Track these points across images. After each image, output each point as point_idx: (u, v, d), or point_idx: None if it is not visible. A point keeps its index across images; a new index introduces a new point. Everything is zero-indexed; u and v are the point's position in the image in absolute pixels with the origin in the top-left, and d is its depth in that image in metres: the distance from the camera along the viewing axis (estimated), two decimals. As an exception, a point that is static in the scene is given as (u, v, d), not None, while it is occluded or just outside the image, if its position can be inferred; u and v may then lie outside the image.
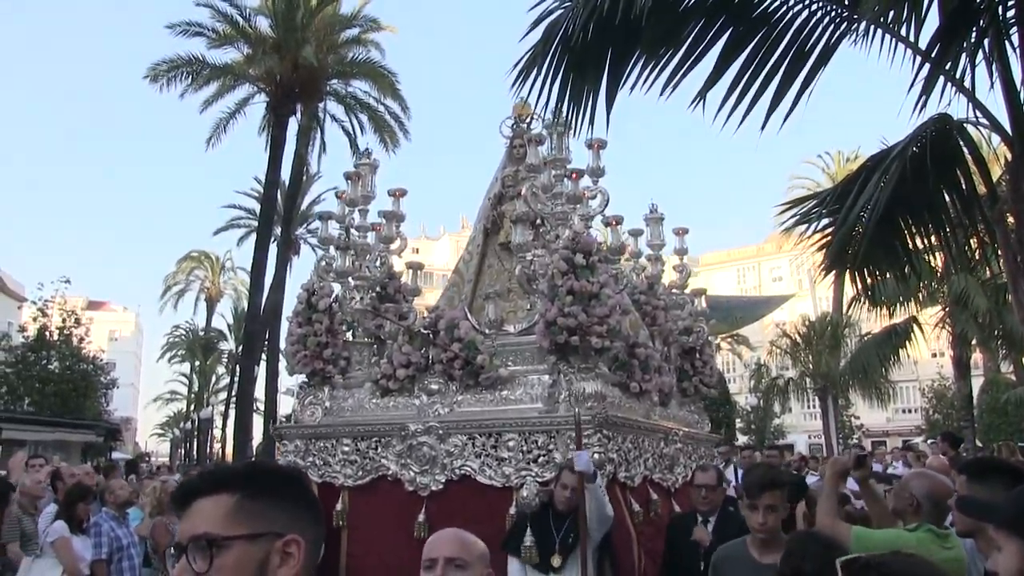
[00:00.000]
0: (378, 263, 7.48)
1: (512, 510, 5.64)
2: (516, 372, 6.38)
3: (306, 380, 7.06)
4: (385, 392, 6.64)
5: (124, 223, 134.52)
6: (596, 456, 5.40)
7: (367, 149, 8.24)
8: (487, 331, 6.70)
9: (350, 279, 7.30)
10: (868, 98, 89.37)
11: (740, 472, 9.26)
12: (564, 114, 5.62)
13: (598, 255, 6.05)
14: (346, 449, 6.51)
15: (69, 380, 28.58)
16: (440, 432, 6.12)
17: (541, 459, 5.79)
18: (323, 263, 7.51)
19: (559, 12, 5.20)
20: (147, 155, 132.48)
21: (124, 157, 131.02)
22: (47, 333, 28.72)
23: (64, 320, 29.38)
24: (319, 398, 6.92)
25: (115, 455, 29.99)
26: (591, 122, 5.59)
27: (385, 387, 6.62)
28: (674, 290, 8.09)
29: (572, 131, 6.04)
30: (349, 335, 7.46)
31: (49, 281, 34.47)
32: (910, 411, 45.06)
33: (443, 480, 6.04)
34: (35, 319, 29.38)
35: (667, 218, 7.88)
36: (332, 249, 7.47)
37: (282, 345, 7.90)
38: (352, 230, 7.56)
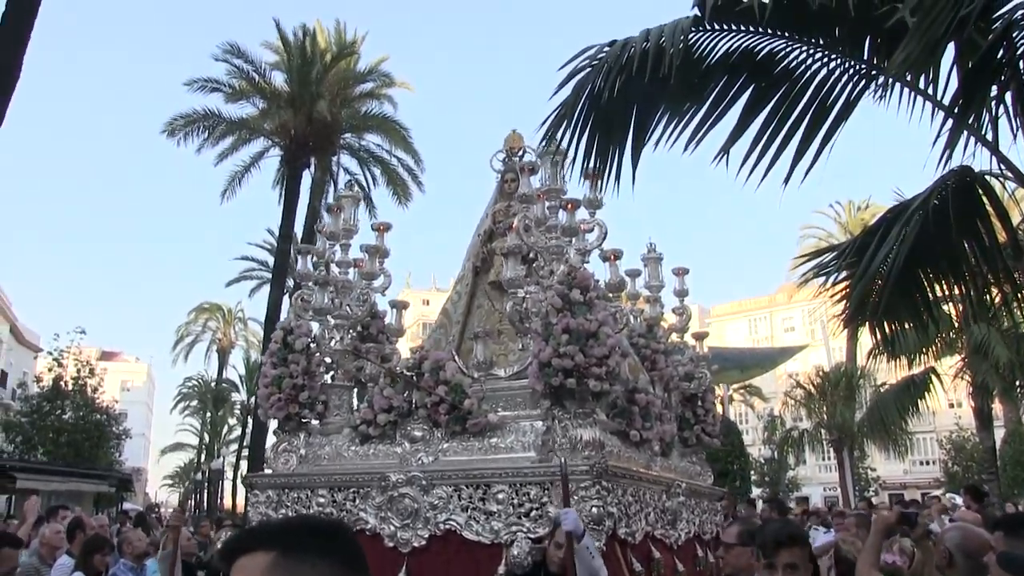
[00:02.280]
0: (360, 301, 7.04)
1: (501, 569, 5.20)
2: (506, 418, 5.96)
3: (280, 425, 6.62)
4: (365, 439, 6.24)
5: (136, 274, 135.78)
6: (594, 511, 5.06)
7: (349, 181, 8.07)
8: (475, 374, 6.28)
9: (329, 317, 6.85)
10: (877, 147, 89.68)
11: None
12: (592, 169, 5.58)
13: (595, 291, 5.73)
14: (322, 500, 6.10)
15: (83, 430, 28.69)
16: (423, 483, 5.69)
17: (534, 513, 5.32)
18: (300, 300, 7.03)
19: (588, 70, 5.21)
20: (159, 206, 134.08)
21: (136, 208, 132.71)
22: (62, 383, 28.91)
23: (79, 370, 29.60)
24: (294, 445, 6.50)
25: (126, 505, 29.90)
26: (617, 178, 5.51)
27: (365, 433, 6.22)
28: (674, 334, 7.78)
29: (600, 187, 5.88)
30: (328, 377, 7.01)
31: (65, 332, 34.70)
32: (928, 463, 44.45)
33: (426, 535, 5.59)
34: (50, 369, 29.61)
35: (678, 269, 7.63)
36: (311, 285, 6.98)
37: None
38: (332, 265, 7.13)
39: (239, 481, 41.73)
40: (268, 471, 6.67)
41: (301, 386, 6.49)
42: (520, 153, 7.65)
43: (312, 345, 6.72)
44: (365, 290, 7.06)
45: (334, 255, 7.17)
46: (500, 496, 5.44)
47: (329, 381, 6.98)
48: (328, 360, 6.97)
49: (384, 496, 5.78)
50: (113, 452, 31.91)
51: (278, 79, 26.24)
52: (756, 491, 28.19)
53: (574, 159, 5.55)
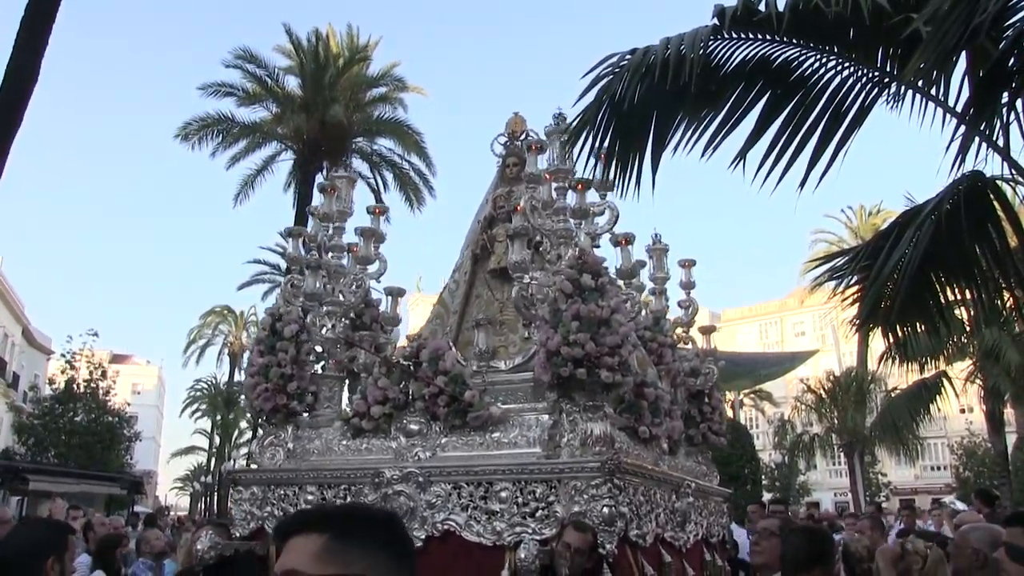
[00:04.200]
0: (353, 287, 6.61)
1: (505, 573, 4.80)
2: (510, 412, 5.57)
3: (267, 417, 6.19)
4: (357, 432, 5.83)
5: (148, 277, 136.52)
6: (605, 511, 4.76)
7: (345, 160, 7.75)
8: (475, 365, 5.92)
9: (320, 304, 6.43)
10: (888, 152, 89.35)
11: (749, 530, 8.56)
12: (612, 176, 5.60)
13: (606, 277, 5.38)
14: (310, 498, 5.68)
15: (94, 432, 28.89)
16: (420, 480, 5.31)
17: (540, 513, 4.96)
18: (290, 285, 6.57)
19: (610, 77, 5.29)
20: (171, 209, 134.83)
21: (149, 211, 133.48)
22: (74, 385, 29.13)
23: (91, 373, 29.81)
24: (281, 438, 6.04)
25: (137, 508, 30.08)
26: (638, 183, 5.53)
27: (357, 427, 5.82)
28: (679, 328, 7.40)
29: (621, 193, 5.75)
30: (318, 367, 6.60)
31: (77, 334, 34.94)
32: (939, 468, 44.37)
33: (423, 536, 5.15)
34: (62, 371, 29.84)
35: (684, 260, 7.38)
36: (302, 270, 6.53)
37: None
38: (325, 249, 6.76)
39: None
40: (253, 466, 6.24)
41: (290, 376, 6.04)
42: (523, 136, 7.37)
43: (302, 333, 6.28)
44: (359, 276, 6.64)
45: (327, 239, 6.80)
46: (503, 495, 5.11)
47: (319, 371, 6.59)
48: (319, 349, 6.58)
49: (378, 494, 5.41)
50: (124, 455, 32.12)
51: (291, 83, 26.41)
52: (767, 496, 28.13)
53: (596, 163, 5.61)
